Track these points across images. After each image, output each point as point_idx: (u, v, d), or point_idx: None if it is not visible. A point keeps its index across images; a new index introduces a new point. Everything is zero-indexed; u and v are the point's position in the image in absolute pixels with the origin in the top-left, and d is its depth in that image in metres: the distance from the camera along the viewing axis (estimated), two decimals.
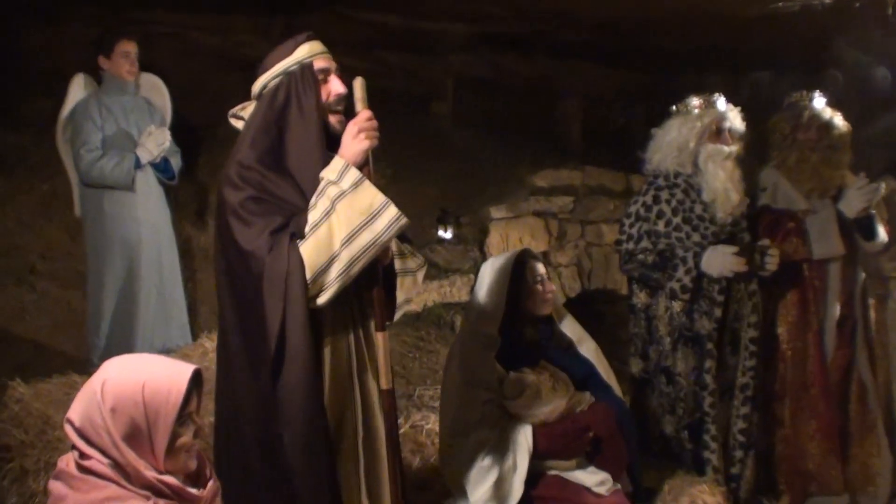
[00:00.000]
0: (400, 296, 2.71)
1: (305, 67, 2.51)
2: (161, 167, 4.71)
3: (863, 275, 4.30)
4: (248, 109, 2.61)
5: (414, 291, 2.77)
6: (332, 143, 2.54)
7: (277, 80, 2.52)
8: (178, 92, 5.08)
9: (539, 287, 3.55)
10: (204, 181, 5.54)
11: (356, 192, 2.39)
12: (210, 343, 4.47)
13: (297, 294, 2.34)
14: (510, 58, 6.90)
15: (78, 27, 5.31)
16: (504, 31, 6.13)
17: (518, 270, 3.51)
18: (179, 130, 4.89)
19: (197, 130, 5.55)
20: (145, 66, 4.81)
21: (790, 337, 4.20)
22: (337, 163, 2.44)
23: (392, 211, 2.40)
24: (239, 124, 2.63)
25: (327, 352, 2.50)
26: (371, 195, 2.40)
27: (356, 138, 2.47)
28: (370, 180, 2.44)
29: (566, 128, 7.84)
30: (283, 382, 2.39)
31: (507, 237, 6.10)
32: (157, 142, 4.57)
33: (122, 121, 4.60)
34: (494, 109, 7.05)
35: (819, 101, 4.26)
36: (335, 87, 2.57)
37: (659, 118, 4.18)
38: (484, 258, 5.95)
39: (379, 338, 2.58)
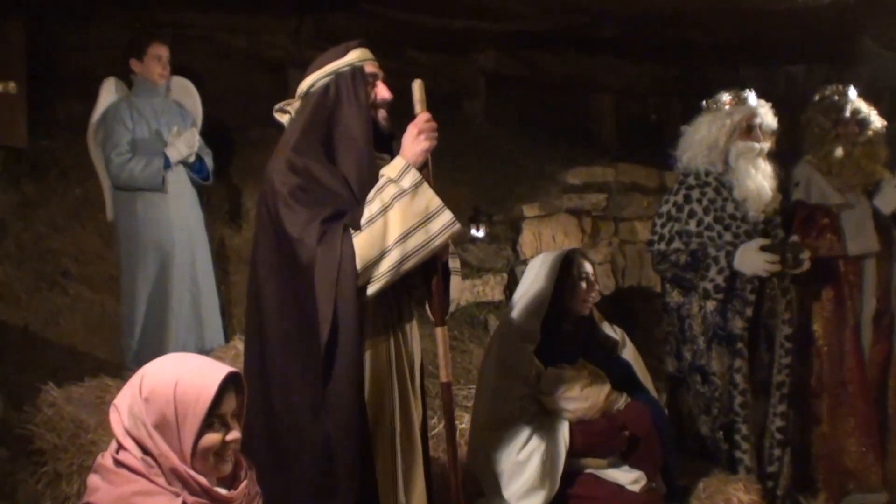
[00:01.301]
0: (453, 293, 2.75)
1: (357, 69, 2.61)
2: (196, 167, 4.74)
3: None
4: (294, 105, 2.69)
5: (457, 292, 2.81)
6: (379, 141, 2.62)
7: (328, 79, 2.60)
8: (208, 95, 5.10)
9: (584, 285, 3.56)
10: (236, 183, 5.57)
11: (415, 193, 2.45)
12: (242, 345, 4.49)
13: (349, 284, 2.39)
14: (542, 55, 6.87)
15: (110, 30, 5.35)
16: (534, 29, 6.09)
17: (565, 267, 3.54)
18: (210, 133, 4.91)
19: (228, 132, 5.57)
20: (176, 69, 4.84)
21: (826, 333, 4.17)
22: (398, 162, 2.50)
23: (447, 216, 2.46)
24: (283, 118, 2.71)
25: (368, 348, 2.54)
26: (429, 198, 2.46)
27: (416, 140, 2.53)
28: (429, 181, 2.50)
29: (599, 124, 7.79)
30: (332, 373, 2.43)
31: (539, 236, 6.08)
32: (186, 142, 4.60)
33: (154, 124, 4.62)
34: (527, 107, 7.03)
35: (854, 95, 4.20)
36: (382, 92, 2.65)
37: (694, 112, 4.14)
38: (517, 257, 5.94)
39: (438, 332, 2.66)
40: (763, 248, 3.78)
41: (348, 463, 2.45)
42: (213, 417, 1.95)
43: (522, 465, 3.24)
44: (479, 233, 5.84)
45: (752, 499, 3.70)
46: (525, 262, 5.96)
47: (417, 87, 2.58)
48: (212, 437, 1.96)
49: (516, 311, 3.55)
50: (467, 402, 4.76)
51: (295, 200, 2.43)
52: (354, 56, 2.62)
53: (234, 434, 2.00)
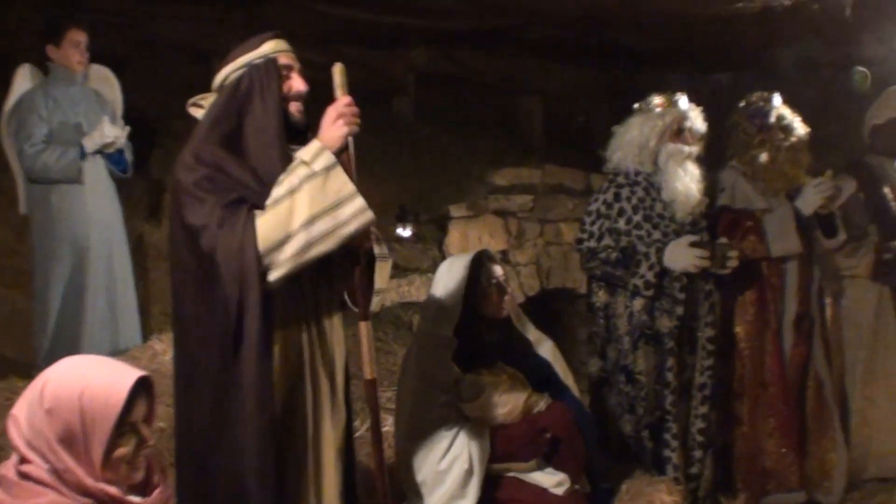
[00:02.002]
0: (378, 282, 2.66)
1: (270, 61, 2.53)
2: (115, 159, 4.58)
3: (819, 273, 4.29)
4: (208, 99, 2.59)
5: (384, 281, 2.72)
6: (293, 134, 2.53)
7: (241, 71, 2.52)
8: (129, 84, 4.93)
9: (494, 289, 3.53)
10: (157, 176, 5.40)
11: (326, 176, 2.35)
12: (160, 345, 4.36)
13: (252, 269, 2.29)
14: (472, 55, 6.83)
15: (26, 14, 5.12)
16: (466, 28, 6.06)
17: (475, 271, 3.49)
18: (130, 124, 4.75)
19: (150, 124, 5.40)
20: (95, 56, 4.65)
21: (748, 336, 4.22)
22: (312, 145, 2.41)
23: (358, 202, 2.36)
24: (198, 113, 2.60)
25: (277, 340, 2.43)
26: (341, 182, 2.36)
27: (334, 123, 2.44)
28: (348, 168, 2.42)
29: (527, 126, 7.79)
30: (237, 362, 2.34)
31: (466, 236, 6.05)
32: (106, 132, 4.43)
33: (70, 113, 4.44)
34: (456, 106, 6.98)
35: (779, 101, 4.26)
36: (297, 84, 2.57)
37: (620, 117, 4.16)
38: (443, 257, 5.89)
39: (362, 326, 2.56)
40: (693, 245, 3.81)
41: (256, 467, 2.35)
42: (124, 426, 1.85)
43: (444, 473, 3.21)
44: (405, 232, 5.78)
45: (675, 500, 3.71)
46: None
47: (338, 71, 2.50)
48: (123, 449, 1.86)
49: (430, 318, 3.51)
50: (392, 405, 4.70)
51: (200, 190, 2.35)
52: (268, 47, 2.54)
53: (146, 441, 1.91)
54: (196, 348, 2.41)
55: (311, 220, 2.31)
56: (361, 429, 4.08)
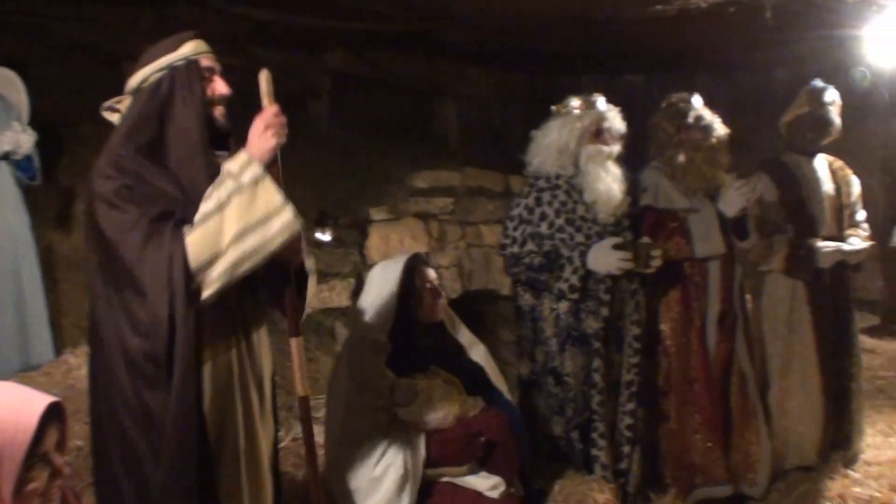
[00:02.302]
0: (308, 297, 2.60)
1: (191, 63, 2.43)
2: (23, 165, 4.40)
3: (740, 271, 4.37)
4: (124, 103, 2.48)
5: (312, 296, 2.67)
6: (216, 140, 2.46)
7: (160, 73, 2.42)
8: (35, 87, 4.74)
9: (428, 293, 3.52)
10: (66, 183, 5.19)
11: (255, 190, 2.27)
12: (75, 359, 4.20)
13: (181, 287, 2.20)
14: (389, 57, 6.78)
15: None
16: (383, 30, 6.01)
17: (409, 275, 3.48)
18: (38, 129, 4.56)
19: (58, 128, 5.20)
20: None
21: (673, 333, 4.25)
22: (240, 157, 2.33)
23: (288, 216, 2.30)
24: (114, 117, 2.50)
25: (207, 359, 2.35)
26: (270, 196, 2.29)
27: (263, 135, 2.37)
28: (278, 180, 2.34)
29: (444, 128, 7.79)
30: (165, 384, 2.25)
31: (387, 239, 6.00)
32: (10, 137, 4.25)
33: None
34: (373, 109, 6.91)
35: (699, 102, 4.32)
36: (219, 87, 2.49)
37: (536, 119, 4.16)
38: (364, 261, 5.84)
39: (293, 343, 2.52)
40: (616, 247, 3.83)
41: (187, 488, 2.27)
42: (35, 458, 1.74)
43: (378, 480, 3.16)
44: (325, 236, 5.70)
45: (607, 498, 3.75)
46: (372, 267, 5.88)
47: (264, 78, 2.44)
48: (35, 483, 1.75)
49: (363, 323, 3.47)
50: (316, 414, 4.62)
51: (120, 199, 2.25)
52: (189, 49, 2.45)
53: (60, 472, 1.80)
54: (117, 368, 2.30)
55: (240, 236, 2.24)
56: (286, 439, 4.01)
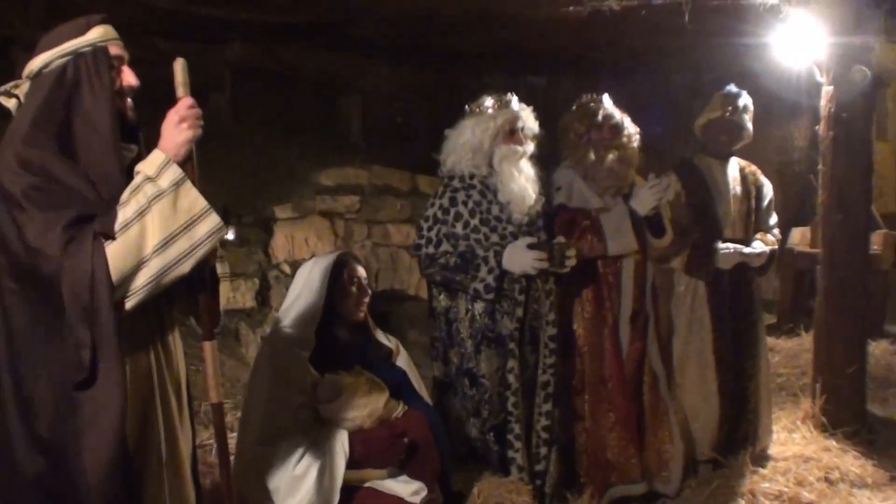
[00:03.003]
0: (221, 301, 2.48)
1: (100, 50, 2.26)
2: None
3: (651, 270, 4.41)
4: (22, 88, 2.30)
5: (225, 300, 2.55)
6: (124, 133, 2.30)
7: (65, 59, 2.25)
8: None
9: (356, 290, 3.49)
10: None
11: (176, 194, 2.14)
12: None
13: (106, 302, 2.06)
14: (292, 50, 6.64)
15: None
16: (286, 22, 5.87)
17: (337, 272, 3.45)
18: None
19: None
20: None
21: (587, 333, 4.24)
22: (156, 156, 2.18)
23: (213, 220, 2.18)
24: (10, 103, 2.31)
25: (127, 364, 2.22)
26: (192, 199, 2.17)
27: (177, 128, 2.22)
28: (193, 178, 2.21)
29: (348, 125, 7.68)
30: (91, 404, 2.12)
31: (292, 238, 5.87)
32: None
33: None
34: (277, 104, 6.76)
35: (609, 102, 4.33)
36: (128, 77, 2.33)
37: (440, 118, 4.12)
38: (269, 261, 5.70)
39: (207, 347, 2.38)
40: (530, 247, 3.81)
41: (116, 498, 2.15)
42: None
43: (299, 479, 3.08)
44: (228, 235, 5.51)
45: (524, 500, 3.73)
46: (278, 267, 5.74)
47: (179, 67, 2.29)
48: None
49: (288, 319, 3.40)
50: None
51: (30, 202, 2.09)
52: (97, 34, 2.28)
53: None
54: (30, 380, 2.16)
55: (165, 244, 2.12)
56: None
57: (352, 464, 3.20)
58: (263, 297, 5.51)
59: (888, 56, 5.00)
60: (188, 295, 2.40)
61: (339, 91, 7.52)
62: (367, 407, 3.26)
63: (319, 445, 3.15)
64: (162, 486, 2.33)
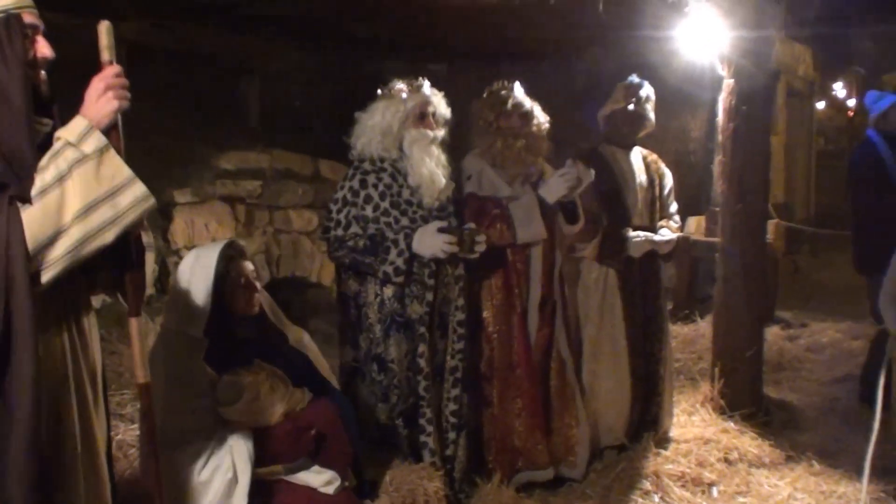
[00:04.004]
0: (148, 273, 2.36)
1: (13, 17, 2.15)
2: None
3: (560, 257, 4.44)
4: None
5: (151, 273, 2.44)
6: (38, 107, 2.19)
7: None
8: None
9: (245, 283, 3.37)
10: None
11: (100, 160, 2.06)
12: None
13: (21, 268, 1.97)
14: (191, 29, 6.42)
15: None
16: None
17: (223, 265, 3.30)
18: None
19: None
20: None
21: (496, 319, 4.26)
22: (78, 123, 2.09)
23: (139, 189, 2.12)
24: None
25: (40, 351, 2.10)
26: (116, 166, 2.09)
27: (103, 96, 2.14)
28: (118, 148, 2.13)
29: (248, 108, 7.51)
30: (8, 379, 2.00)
31: (192, 224, 5.70)
32: None
33: None
34: (175, 84, 6.53)
35: (519, 91, 4.34)
36: (43, 48, 2.22)
37: (341, 103, 4.06)
38: (168, 247, 5.52)
39: (133, 324, 2.31)
40: (441, 231, 3.80)
41: (23, 490, 2.02)
42: None
43: (205, 485, 2.99)
44: None
45: (436, 486, 3.73)
46: (178, 253, 5.57)
47: (105, 30, 2.22)
48: None
49: (176, 317, 3.26)
50: (120, 410, 4.39)
51: None
52: (9, 1, 2.16)
53: None
54: None
55: (86, 212, 2.03)
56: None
57: (259, 462, 3.12)
58: (163, 284, 5.32)
59: (785, 51, 5.14)
60: (112, 267, 2.31)
61: (239, 72, 7.34)
62: (269, 404, 3.17)
63: (224, 448, 3.06)
64: (77, 477, 2.23)
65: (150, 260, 2.44)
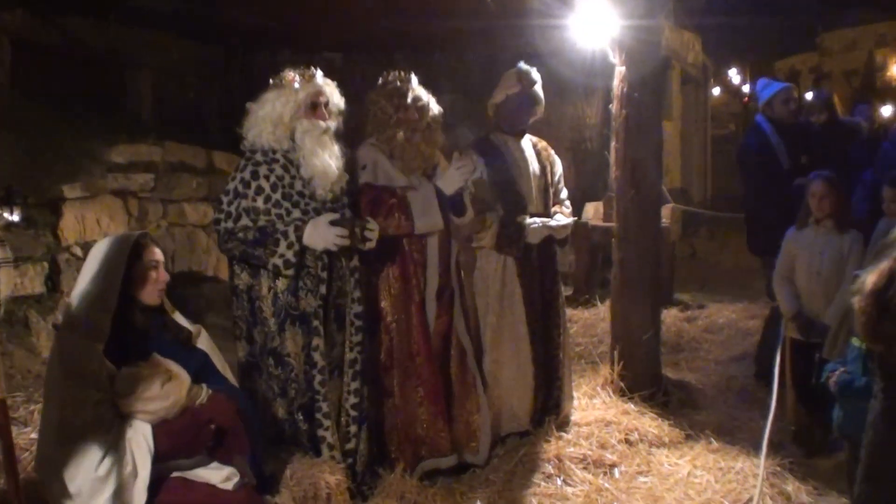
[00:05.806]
0: (4, 290, 2.27)
1: None
2: None
3: (456, 247, 4.46)
4: None
5: (6, 286, 2.34)
6: None
7: None
8: None
9: (154, 273, 3.34)
10: None
11: None
12: None
13: None
14: (77, 22, 6.23)
15: None
16: None
17: (133, 255, 3.28)
18: None
19: None
20: None
21: (394, 310, 4.27)
22: None
23: None
24: None
25: None
26: None
27: None
28: None
29: (138, 101, 7.34)
30: None
31: (83, 219, 5.54)
32: None
33: None
34: (61, 78, 6.34)
35: (416, 82, 4.34)
36: None
37: (233, 95, 4.00)
38: (58, 244, 5.34)
39: None
40: (332, 223, 3.78)
41: None
42: None
43: (103, 480, 2.94)
44: (13, 216, 5.11)
45: (338, 479, 3.72)
46: (68, 250, 5.40)
47: None
48: None
49: (80, 307, 3.18)
50: (14, 414, 4.21)
51: None
52: None
53: None
54: None
55: None
56: None
57: (158, 458, 3.08)
58: (54, 282, 5.14)
59: (674, 39, 5.25)
60: None
61: (128, 66, 7.15)
62: (168, 398, 3.15)
63: (123, 443, 3.01)
64: None
65: (7, 275, 2.34)
